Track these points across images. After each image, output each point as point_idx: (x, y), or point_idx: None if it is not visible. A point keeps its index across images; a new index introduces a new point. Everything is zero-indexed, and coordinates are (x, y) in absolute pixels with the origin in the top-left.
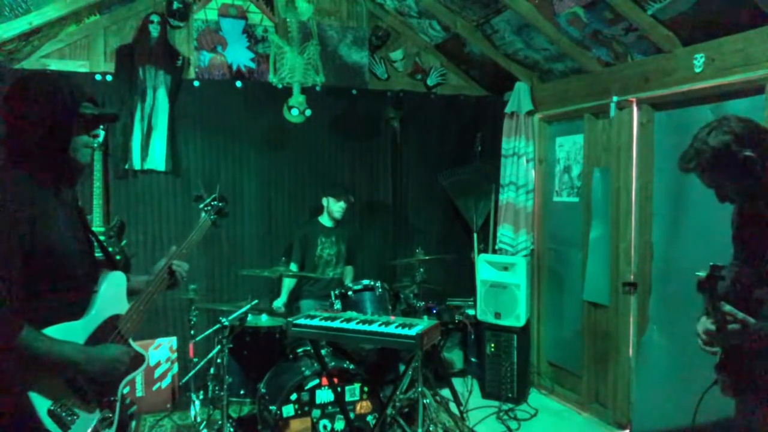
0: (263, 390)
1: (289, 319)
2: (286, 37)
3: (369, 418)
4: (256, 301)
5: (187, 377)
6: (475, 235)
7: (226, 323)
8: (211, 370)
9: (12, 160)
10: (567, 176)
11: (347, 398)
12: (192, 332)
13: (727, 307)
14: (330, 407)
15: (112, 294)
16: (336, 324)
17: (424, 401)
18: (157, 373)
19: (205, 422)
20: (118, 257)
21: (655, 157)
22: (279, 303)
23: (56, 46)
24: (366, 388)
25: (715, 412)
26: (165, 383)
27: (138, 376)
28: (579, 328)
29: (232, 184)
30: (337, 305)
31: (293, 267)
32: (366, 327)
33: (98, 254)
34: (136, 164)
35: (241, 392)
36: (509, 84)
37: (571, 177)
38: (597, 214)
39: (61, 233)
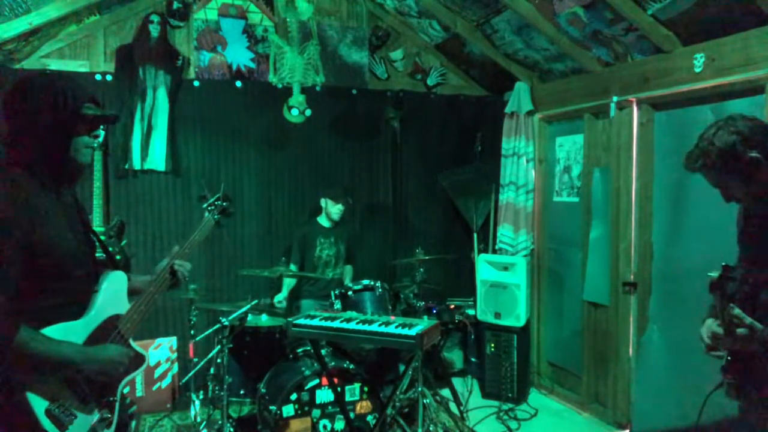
0: (263, 390)
1: (289, 319)
2: (286, 37)
3: (369, 418)
4: (256, 301)
5: (187, 377)
6: (475, 235)
7: (226, 323)
8: (211, 370)
9: (12, 160)
10: (567, 176)
11: (347, 398)
12: (192, 332)
13: (736, 311)
14: (330, 407)
15: (112, 294)
16: (336, 324)
17: (424, 401)
18: (157, 373)
19: (205, 422)
20: (118, 257)
21: (655, 157)
22: (280, 297)
23: (56, 46)
24: (366, 388)
25: (717, 413)
26: (165, 383)
27: (138, 376)
28: (579, 328)
29: (232, 184)
30: (337, 305)
31: (293, 268)
32: (366, 327)
33: (99, 254)
34: (136, 164)
35: (241, 392)
36: (509, 84)
37: (571, 177)
38: (597, 214)
39: (60, 233)
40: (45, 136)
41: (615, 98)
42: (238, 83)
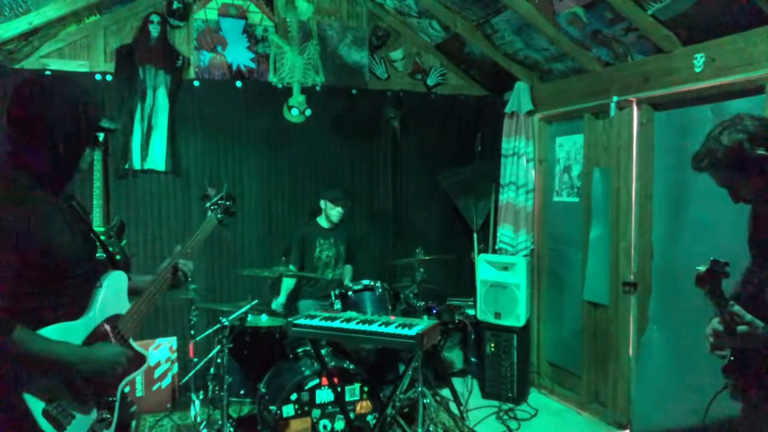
0: (263, 390)
1: (289, 319)
2: (286, 37)
3: (369, 418)
4: (256, 301)
5: (187, 377)
6: (475, 235)
7: (226, 323)
8: (211, 370)
9: (15, 160)
10: (567, 176)
11: (347, 398)
12: (192, 332)
13: (736, 308)
14: (330, 407)
15: (112, 294)
16: (336, 324)
17: (424, 401)
18: (157, 373)
19: (205, 422)
20: (118, 257)
21: (655, 157)
22: (278, 302)
23: (56, 46)
24: (366, 388)
25: (719, 413)
26: (165, 383)
27: (138, 376)
28: (579, 328)
29: (232, 183)
30: (337, 305)
31: (292, 269)
32: (366, 327)
33: (99, 254)
34: (136, 164)
35: (241, 392)
36: (509, 84)
37: (571, 177)
38: (597, 214)
39: (59, 233)
40: (61, 145)
41: (615, 98)
42: (238, 83)
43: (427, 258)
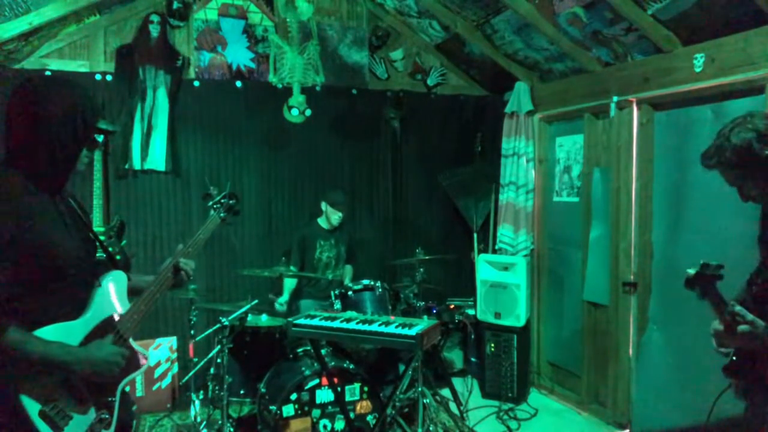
0: (263, 390)
1: (289, 319)
2: (286, 37)
3: (369, 418)
4: (256, 301)
5: (187, 377)
6: (475, 235)
7: (226, 323)
8: (211, 370)
9: (10, 160)
10: (567, 176)
11: (347, 398)
12: (192, 332)
13: (737, 308)
14: (330, 407)
15: (111, 293)
16: (336, 324)
17: (424, 401)
18: (157, 373)
19: (205, 422)
20: (118, 257)
21: (655, 157)
22: (281, 300)
23: (56, 46)
24: (366, 388)
25: (724, 411)
26: (165, 383)
27: (138, 376)
28: (579, 328)
29: (232, 183)
30: (337, 305)
31: (292, 269)
32: (366, 327)
33: (99, 254)
34: (136, 164)
35: (241, 392)
36: (509, 84)
37: (571, 177)
38: (597, 214)
39: (55, 233)
40: (57, 145)
41: (615, 98)
42: (238, 83)
43: (427, 258)
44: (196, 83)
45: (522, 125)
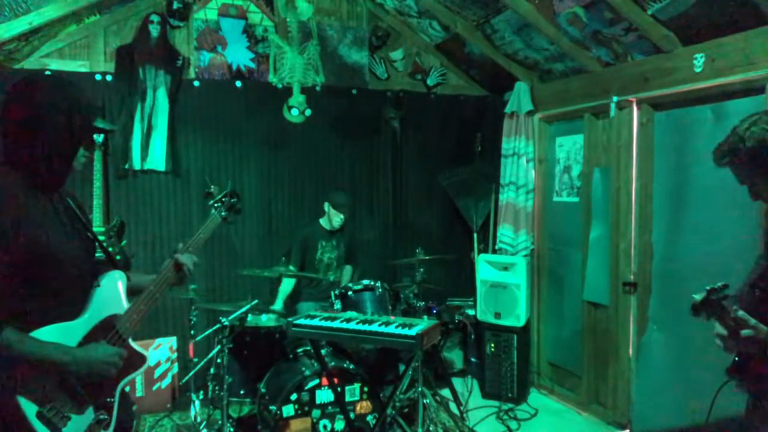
0: (263, 390)
1: (289, 319)
2: (286, 37)
3: (369, 418)
4: (256, 301)
5: (187, 377)
6: (475, 235)
7: (226, 323)
8: (211, 370)
9: (6, 159)
10: (567, 176)
11: (347, 398)
12: (192, 332)
13: (740, 313)
14: (330, 407)
15: (110, 293)
16: (336, 324)
17: (424, 401)
18: (157, 373)
19: (205, 422)
20: (118, 257)
21: (655, 157)
22: (274, 308)
23: (56, 46)
24: (366, 388)
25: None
26: (165, 383)
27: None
28: (579, 328)
29: (232, 183)
30: (337, 305)
31: (292, 269)
32: (366, 327)
33: (99, 254)
34: (136, 164)
35: (241, 392)
36: (509, 84)
37: (571, 177)
38: (597, 214)
39: (52, 234)
40: (53, 144)
41: (615, 98)
42: (238, 83)
43: (427, 258)
44: (196, 83)
45: (522, 125)
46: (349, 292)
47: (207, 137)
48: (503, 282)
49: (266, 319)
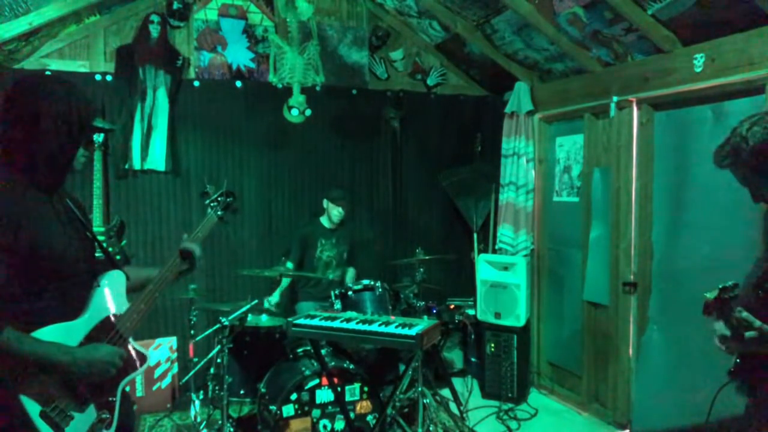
0: (263, 390)
1: (289, 319)
2: (286, 37)
3: (369, 418)
4: (256, 301)
5: (187, 377)
6: (475, 235)
7: (226, 323)
8: (211, 370)
9: (5, 159)
10: (567, 176)
11: (347, 398)
12: (192, 332)
13: (744, 314)
14: (330, 407)
15: (110, 293)
16: (336, 324)
17: (424, 401)
18: (157, 373)
19: (205, 422)
20: (118, 257)
21: (655, 157)
22: (271, 300)
23: (56, 46)
24: (366, 388)
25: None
26: (165, 383)
27: (138, 376)
28: (579, 328)
29: (232, 183)
30: (337, 305)
31: (289, 266)
32: (366, 327)
33: (99, 254)
34: (136, 164)
35: (241, 392)
36: (509, 84)
37: (571, 177)
38: (597, 214)
39: (51, 234)
40: (52, 144)
41: (615, 98)
42: (238, 83)
43: (427, 258)
44: (196, 83)
45: (522, 125)
46: (349, 292)
47: (207, 137)
48: (503, 282)
49: (266, 319)
